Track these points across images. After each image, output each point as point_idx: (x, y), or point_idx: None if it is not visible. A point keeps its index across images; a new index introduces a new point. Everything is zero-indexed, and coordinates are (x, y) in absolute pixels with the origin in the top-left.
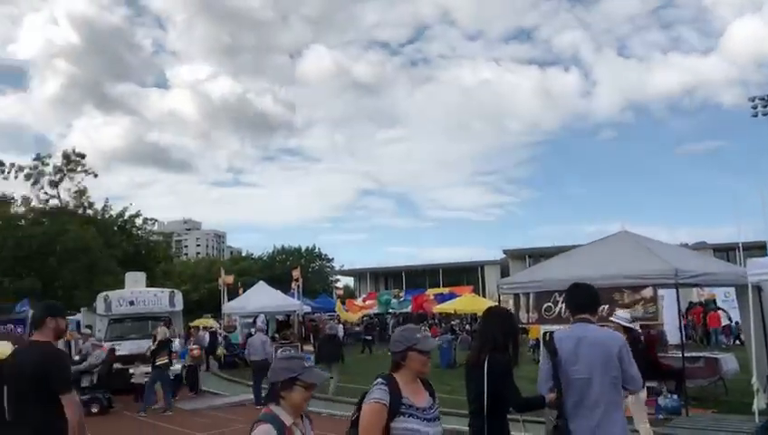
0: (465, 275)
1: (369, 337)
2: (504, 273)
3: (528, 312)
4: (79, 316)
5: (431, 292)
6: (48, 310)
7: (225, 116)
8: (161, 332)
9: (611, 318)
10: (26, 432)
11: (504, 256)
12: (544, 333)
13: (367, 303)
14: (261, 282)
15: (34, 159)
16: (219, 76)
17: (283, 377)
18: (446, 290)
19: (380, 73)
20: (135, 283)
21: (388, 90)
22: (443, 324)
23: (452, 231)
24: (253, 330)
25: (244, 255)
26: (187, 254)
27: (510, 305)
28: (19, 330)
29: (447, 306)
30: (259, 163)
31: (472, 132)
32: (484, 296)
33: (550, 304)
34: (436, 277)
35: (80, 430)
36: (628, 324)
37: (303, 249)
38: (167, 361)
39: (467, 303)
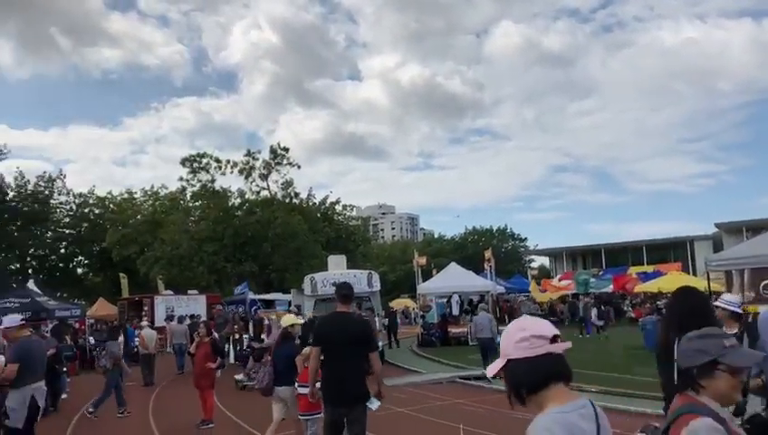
0: (671, 251)
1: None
2: (718, 248)
3: (743, 290)
4: (289, 296)
5: (633, 270)
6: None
7: (414, 101)
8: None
9: (717, 303)
10: (356, 373)
11: (717, 229)
12: (747, 314)
13: (563, 283)
14: (453, 263)
15: (246, 155)
16: (408, 63)
17: (698, 361)
18: (650, 268)
19: (571, 43)
20: (337, 265)
21: (579, 59)
22: (646, 305)
23: (656, 205)
24: (449, 310)
25: (436, 236)
26: (383, 237)
27: (722, 283)
28: (240, 309)
29: (651, 285)
30: (448, 146)
31: (675, 97)
32: (693, 275)
33: None
34: (639, 255)
35: (381, 376)
36: (736, 309)
37: (495, 229)
38: None
39: (674, 281)
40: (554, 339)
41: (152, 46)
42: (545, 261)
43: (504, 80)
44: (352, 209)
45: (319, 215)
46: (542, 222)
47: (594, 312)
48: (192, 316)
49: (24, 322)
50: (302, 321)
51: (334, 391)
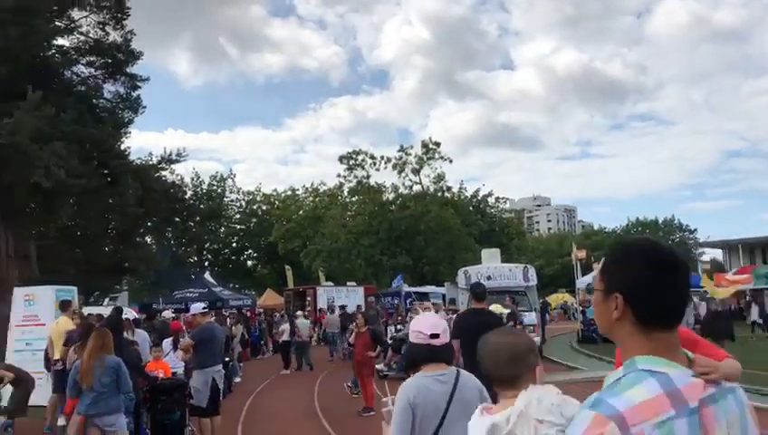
0: None
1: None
2: None
3: None
4: (443, 289)
5: None
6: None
7: (570, 88)
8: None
9: None
10: None
11: None
12: None
13: (739, 277)
14: None
15: (399, 151)
16: (563, 48)
17: None
18: None
19: (745, 16)
20: (491, 258)
21: (755, 34)
22: None
23: None
24: None
25: (596, 229)
26: (538, 230)
27: None
28: (396, 301)
29: None
30: (608, 133)
31: None
32: None
33: None
34: None
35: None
36: None
37: (661, 221)
38: None
39: None
40: (434, 336)
41: (311, 49)
42: (718, 254)
43: (668, 60)
44: (506, 202)
45: (471, 208)
46: (713, 212)
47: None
48: (342, 307)
49: (205, 310)
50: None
51: None
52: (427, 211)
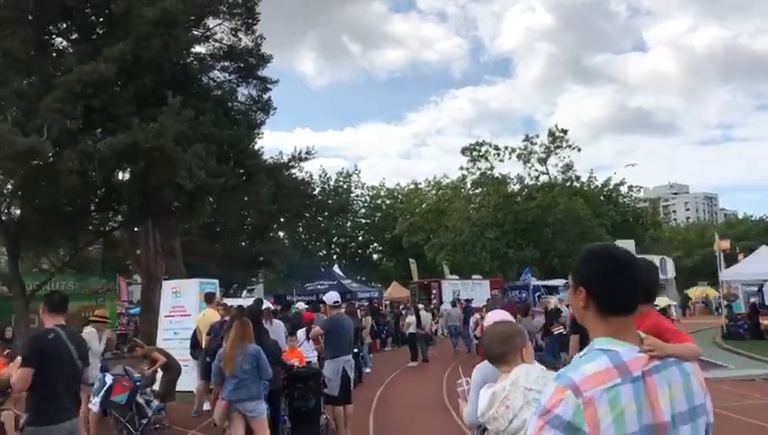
0: None
1: None
2: None
3: None
4: None
5: None
6: None
7: (710, 67)
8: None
9: None
10: None
11: None
12: None
13: None
14: (764, 246)
15: (524, 141)
16: (701, 26)
17: None
18: None
19: None
20: None
21: None
22: None
23: None
24: (760, 298)
25: (740, 217)
26: (675, 219)
27: None
28: (524, 295)
29: None
30: (753, 114)
31: None
32: None
33: None
34: None
35: None
36: None
37: None
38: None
39: None
40: None
41: (432, 42)
42: None
43: None
44: (639, 190)
45: (602, 198)
46: None
47: None
48: (467, 300)
49: (337, 303)
50: None
51: None
52: (555, 202)
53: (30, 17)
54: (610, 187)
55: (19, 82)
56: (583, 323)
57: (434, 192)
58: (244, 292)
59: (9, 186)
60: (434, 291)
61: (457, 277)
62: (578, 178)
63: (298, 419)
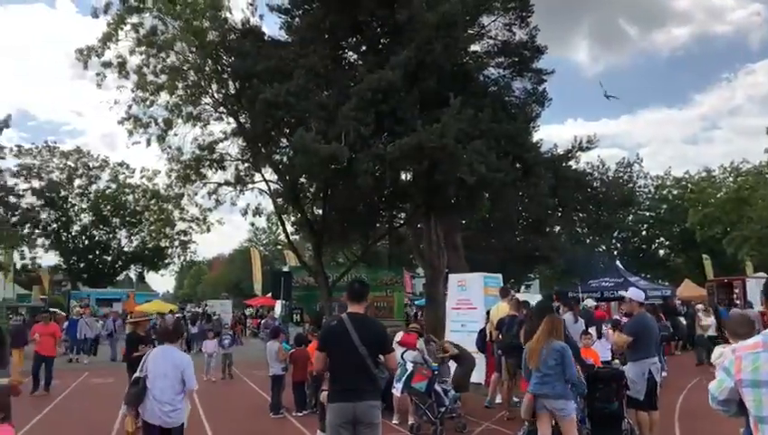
0: None
1: None
2: None
3: None
4: None
5: None
6: None
7: None
8: None
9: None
10: None
11: None
12: None
13: None
14: None
15: None
16: None
17: None
18: None
19: None
20: None
21: None
22: None
23: None
24: None
25: None
26: None
27: None
28: None
29: None
30: None
31: None
32: None
33: None
34: None
35: None
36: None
37: None
38: None
39: None
40: None
41: (723, 12)
42: None
43: None
44: None
45: None
46: None
47: None
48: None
49: (644, 300)
50: None
51: None
52: None
53: (326, 36)
54: None
55: (320, 95)
56: None
57: (731, 179)
58: (522, 287)
59: (312, 189)
60: (736, 290)
61: (765, 275)
62: None
63: (599, 421)
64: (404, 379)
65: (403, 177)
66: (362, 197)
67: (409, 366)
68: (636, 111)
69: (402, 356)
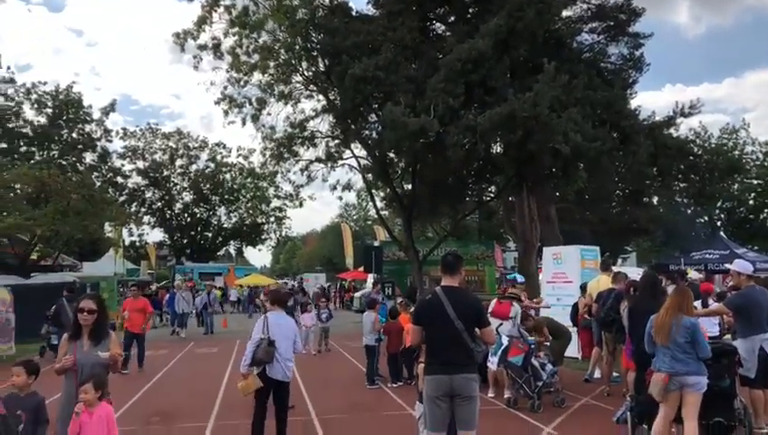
0: None
1: None
2: None
3: None
4: None
5: None
6: None
7: None
8: None
9: None
10: None
11: None
12: None
13: None
14: None
15: None
16: None
17: None
18: None
19: None
20: None
21: None
22: None
23: None
24: None
25: None
26: None
27: None
28: None
29: None
30: None
31: None
32: None
33: None
34: None
35: None
36: None
37: None
38: None
39: None
40: None
41: None
42: None
43: None
44: None
45: None
46: None
47: None
48: None
49: (752, 272)
50: None
51: None
52: None
53: (414, 8)
54: None
55: (408, 68)
56: None
57: None
58: (619, 261)
59: (401, 164)
60: None
61: None
62: None
63: (709, 399)
64: (499, 353)
65: (494, 149)
66: (452, 170)
67: (505, 340)
68: (741, 74)
69: (497, 330)
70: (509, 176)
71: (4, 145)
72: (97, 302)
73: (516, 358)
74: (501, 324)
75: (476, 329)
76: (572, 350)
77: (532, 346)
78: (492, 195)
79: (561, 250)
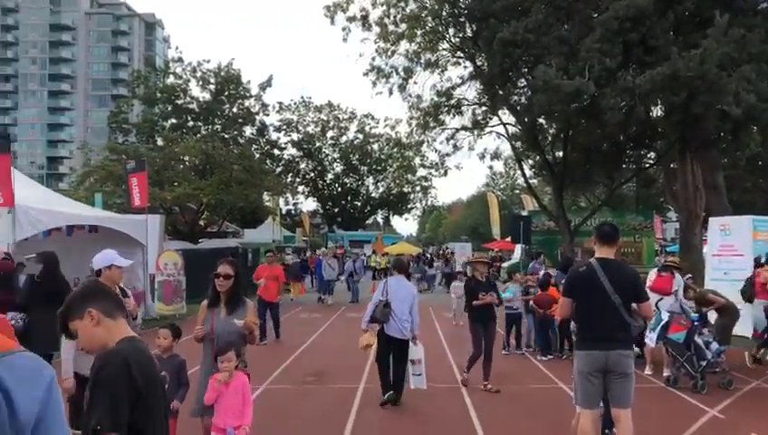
0: None
1: None
2: None
3: None
4: None
5: None
6: None
7: None
8: None
9: None
10: None
11: None
12: None
13: None
14: None
15: None
16: None
17: None
18: None
19: None
20: None
21: None
22: None
23: None
24: None
25: None
26: None
27: None
28: None
29: None
30: None
31: None
32: None
33: None
34: None
35: None
36: None
37: None
38: None
39: None
40: None
41: None
42: None
43: None
44: None
45: None
46: None
47: None
48: None
49: None
50: None
51: None
52: None
53: None
54: None
55: (560, 29)
56: None
57: None
58: None
59: (552, 130)
60: None
61: None
62: None
63: None
64: (659, 329)
65: (654, 112)
66: (607, 135)
67: (665, 316)
68: None
69: (657, 305)
70: (671, 141)
71: (174, 120)
72: (234, 267)
73: (678, 335)
74: (661, 299)
75: (633, 303)
76: (743, 328)
77: (696, 323)
78: (651, 161)
79: (729, 221)
